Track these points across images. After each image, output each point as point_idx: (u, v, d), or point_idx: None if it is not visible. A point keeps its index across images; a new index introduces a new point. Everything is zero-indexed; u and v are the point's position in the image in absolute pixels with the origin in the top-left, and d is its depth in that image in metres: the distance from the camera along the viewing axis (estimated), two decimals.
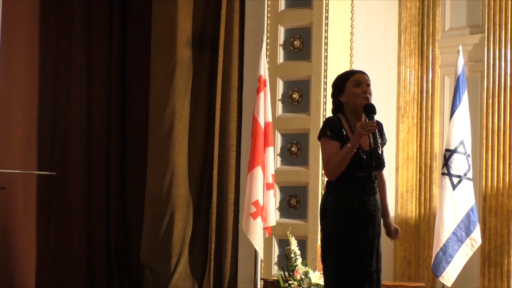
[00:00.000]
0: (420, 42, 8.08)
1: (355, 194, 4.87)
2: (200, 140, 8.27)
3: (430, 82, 8.01)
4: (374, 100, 4.86)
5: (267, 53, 7.67)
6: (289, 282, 6.93)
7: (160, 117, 8.18)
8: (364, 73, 4.99)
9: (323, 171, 7.47)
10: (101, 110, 8.50)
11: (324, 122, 4.95)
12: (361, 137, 4.76)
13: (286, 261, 7.15)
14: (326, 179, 4.92)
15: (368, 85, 4.92)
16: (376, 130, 4.75)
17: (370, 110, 4.84)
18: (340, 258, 4.85)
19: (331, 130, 4.88)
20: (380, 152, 4.89)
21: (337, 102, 4.97)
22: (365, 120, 4.84)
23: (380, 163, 4.90)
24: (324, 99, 7.54)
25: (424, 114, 8.00)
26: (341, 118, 4.92)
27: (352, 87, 4.92)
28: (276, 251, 7.67)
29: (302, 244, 7.30)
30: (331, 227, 4.89)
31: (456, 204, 6.78)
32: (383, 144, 4.98)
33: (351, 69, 5.23)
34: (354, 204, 4.86)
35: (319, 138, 4.92)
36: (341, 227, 4.87)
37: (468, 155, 6.83)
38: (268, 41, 7.74)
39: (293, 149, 7.70)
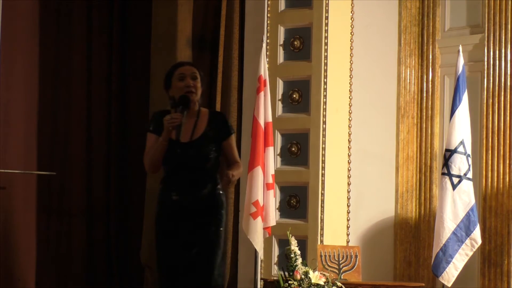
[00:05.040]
0: (420, 42, 8.08)
1: (174, 188, 4.79)
2: None
3: (430, 82, 8.01)
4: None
5: (267, 53, 7.67)
6: (289, 282, 6.91)
7: None
8: (192, 65, 4.87)
9: (323, 171, 7.47)
10: (101, 110, 8.49)
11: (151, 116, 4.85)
12: (168, 130, 4.66)
13: (286, 261, 7.14)
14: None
15: (194, 78, 4.79)
16: (180, 122, 4.62)
17: (179, 102, 4.72)
18: (160, 255, 4.78)
19: (152, 123, 4.85)
20: (200, 144, 4.77)
21: (169, 97, 4.86)
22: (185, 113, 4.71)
23: (192, 156, 4.74)
24: (324, 99, 7.53)
25: (424, 114, 8.00)
26: (172, 112, 4.79)
27: (176, 81, 4.81)
28: (276, 251, 7.67)
29: (302, 244, 7.29)
30: (154, 221, 4.84)
31: (456, 204, 6.78)
32: (225, 135, 4.88)
33: (180, 61, 5.08)
34: (172, 198, 4.79)
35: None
36: (159, 222, 4.83)
37: (468, 155, 6.83)
38: (268, 41, 7.73)
39: (293, 149, 7.69)
